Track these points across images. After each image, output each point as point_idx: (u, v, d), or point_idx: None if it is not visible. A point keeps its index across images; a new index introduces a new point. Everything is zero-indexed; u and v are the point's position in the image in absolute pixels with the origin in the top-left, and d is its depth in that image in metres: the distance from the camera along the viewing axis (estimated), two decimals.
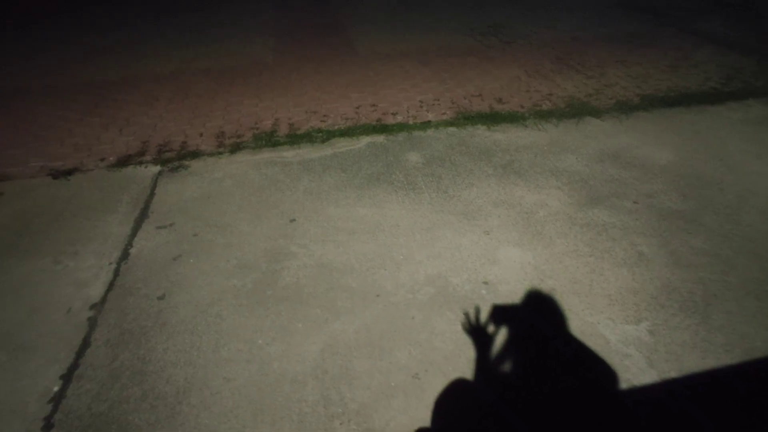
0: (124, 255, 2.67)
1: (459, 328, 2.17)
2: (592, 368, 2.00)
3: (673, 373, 1.95)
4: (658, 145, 3.60)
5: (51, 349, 2.14)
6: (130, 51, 6.08)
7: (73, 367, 2.06)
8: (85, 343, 2.16)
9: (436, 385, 1.93)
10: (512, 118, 4.07)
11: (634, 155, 3.48)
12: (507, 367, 2.00)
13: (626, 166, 3.35)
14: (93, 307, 2.35)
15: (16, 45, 6.50)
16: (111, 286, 2.47)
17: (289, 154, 3.62)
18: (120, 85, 5.03)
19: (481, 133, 3.86)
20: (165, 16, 7.66)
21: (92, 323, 2.26)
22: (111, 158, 3.63)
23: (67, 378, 2.02)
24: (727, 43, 5.85)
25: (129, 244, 2.75)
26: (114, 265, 2.60)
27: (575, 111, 4.18)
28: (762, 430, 1.75)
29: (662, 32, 6.38)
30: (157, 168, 3.48)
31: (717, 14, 7.09)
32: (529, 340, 2.12)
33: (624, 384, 1.91)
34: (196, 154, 3.63)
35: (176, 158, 3.58)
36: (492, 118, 4.07)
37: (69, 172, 3.45)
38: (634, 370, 1.96)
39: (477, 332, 2.15)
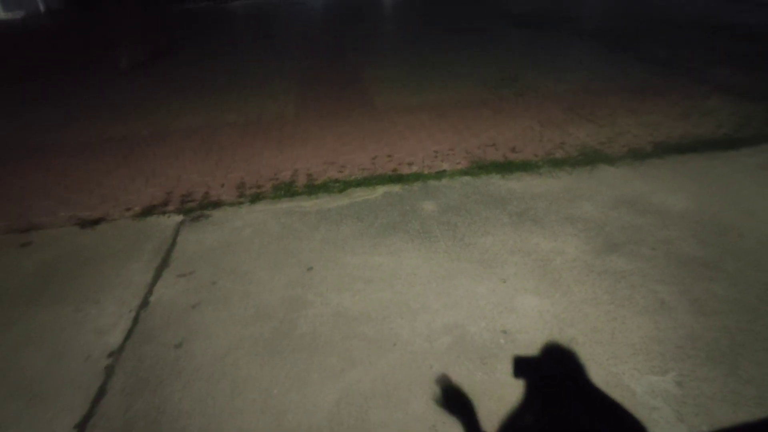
0: (144, 303, 2.71)
1: (478, 378, 2.12)
2: (619, 422, 1.92)
3: (704, 428, 1.86)
4: (673, 192, 3.60)
5: (68, 397, 2.15)
6: (161, 109, 6.42)
7: (88, 416, 2.06)
8: (101, 392, 2.17)
9: None
10: (526, 167, 4.13)
11: (650, 201, 3.48)
12: (529, 420, 1.93)
13: (642, 213, 3.34)
14: (111, 355, 2.37)
15: (54, 103, 6.94)
16: (130, 333, 2.49)
17: (307, 203, 3.70)
18: (148, 139, 5.28)
19: (495, 182, 3.91)
20: (193, 78, 8.13)
21: (109, 371, 2.27)
22: (136, 208, 3.76)
23: (81, 427, 2.01)
24: (738, 92, 5.92)
25: (149, 292, 2.80)
26: (134, 313, 2.63)
27: (589, 159, 4.23)
28: None
29: (673, 82, 6.49)
30: (180, 217, 3.59)
31: (727, 64, 7.21)
32: (552, 391, 2.06)
33: None
34: (217, 204, 3.75)
35: (198, 208, 3.70)
36: (506, 167, 4.13)
37: (96, 222, 3.58)
38: (663, 425, 1.88)
39: (497, 383, 2.09)
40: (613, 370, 2.13)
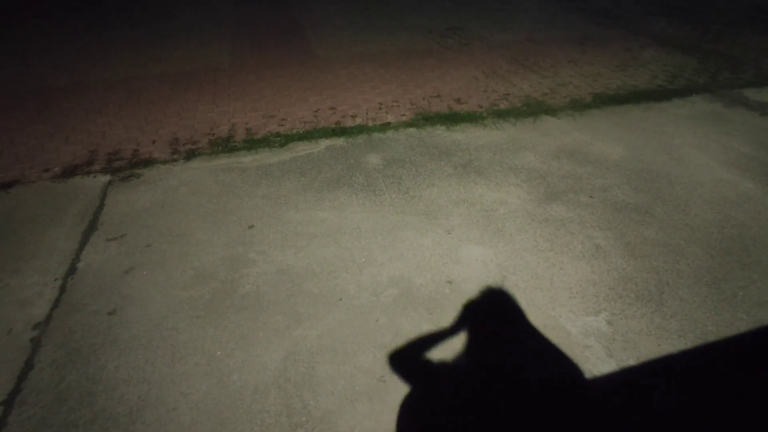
0: (71, 270, 2.52)
1: (424, 329, 2.15)
2: (555, 361, 2.02)
3: (631, 362, 1.99)
4: (610, 141, 3.72)
5: None
6: (79, 57, 5.81)
7: (15, 392, 1.92)
8: (28, 366, 2.02)
9: (403, 388, 1.90)
10: (471, 118, 4.11)
11: (589, 151, 3.58)
12: (473, 365, 1.99)
13: (581, 162, 3.43)
14: (36, 326, 2.20)
15: None
16: (56, 303, 2.32)
17: (246, 159, 3.53)
18: (67, 91, 4.79)
19: (440, 134, 3.88)
20: (117, 24, 7.38)
21: (36, 344, 2.11)
22: (56, 168, 3.43)
23: (8, 404, 1.87)
24: (672, 44, 6.12)
25: (76, 258, 2.60)
26: (60, 281, 2.45)
27: (532, 110, 4.27)
28: (715, 409, 1.81)
29: (612, 34, 6.62)
30: (107, 177, 3.32)
31: (663, 17, 7.43)
32: (494, 336, 2.12)
33: (586, 374, 1.94)
34: (148, 162, 3.49)
35: (127, 167, 3.43)
36: (451, 119, 4.10)
37: (9, 185, 3.24)
38: (594, 360, 2.00)
39: (443, 333, 2.13)
40: (551, 314, 2.22)
